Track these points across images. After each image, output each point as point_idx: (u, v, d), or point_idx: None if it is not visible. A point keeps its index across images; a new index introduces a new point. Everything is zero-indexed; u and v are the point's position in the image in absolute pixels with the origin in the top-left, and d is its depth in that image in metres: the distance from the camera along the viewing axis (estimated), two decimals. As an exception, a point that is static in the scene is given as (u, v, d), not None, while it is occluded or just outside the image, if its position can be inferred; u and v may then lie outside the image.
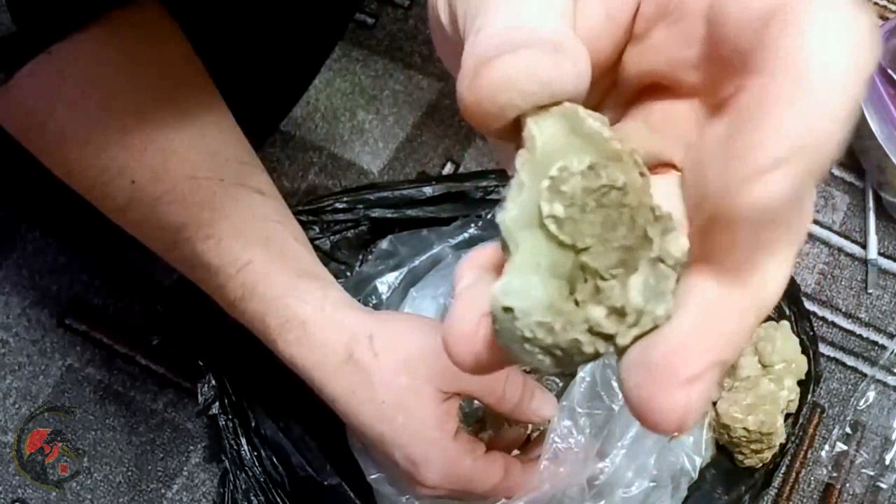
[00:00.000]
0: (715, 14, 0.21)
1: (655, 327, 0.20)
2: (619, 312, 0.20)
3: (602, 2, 0.24)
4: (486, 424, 0.65)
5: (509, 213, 0.21)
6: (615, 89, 0.27)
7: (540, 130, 0.22)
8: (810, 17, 0.19)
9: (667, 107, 0.24)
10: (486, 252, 0.24)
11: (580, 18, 0.24)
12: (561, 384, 0.71)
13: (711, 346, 0.20)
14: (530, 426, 0.64)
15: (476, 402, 0.64)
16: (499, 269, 0.23)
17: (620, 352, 0.21)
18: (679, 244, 0.21)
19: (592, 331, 0.20)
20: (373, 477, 0.62)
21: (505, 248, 0.21)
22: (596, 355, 0.21)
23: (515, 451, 0.63)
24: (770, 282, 0.20)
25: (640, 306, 0.20)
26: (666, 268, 0.21)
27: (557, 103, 0.22)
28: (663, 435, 0.20)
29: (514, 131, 0.22)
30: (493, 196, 0.76)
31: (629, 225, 0.21)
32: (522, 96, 0.22)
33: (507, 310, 0.21)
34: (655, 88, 0.25)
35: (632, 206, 0.21)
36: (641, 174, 0.22)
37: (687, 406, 0.19)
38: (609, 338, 0.20)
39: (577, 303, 0.21)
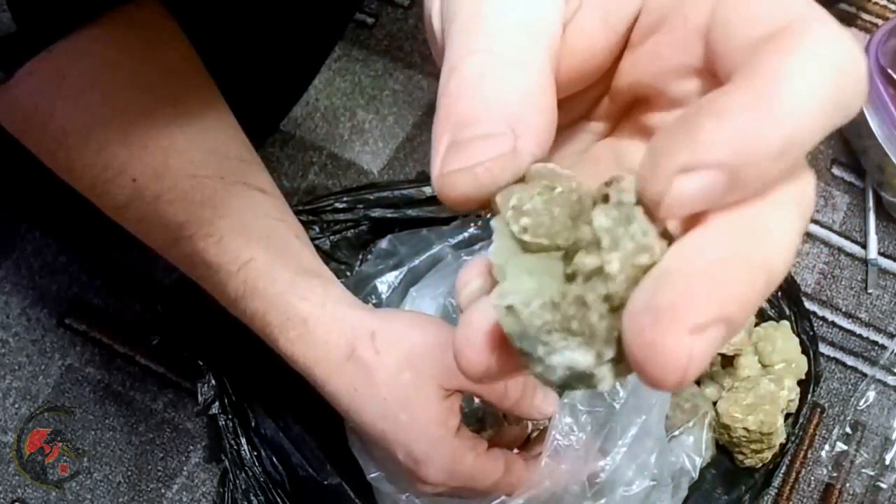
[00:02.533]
0: (718, 29, 0.22)
1: (644, 251, 0.21)
2: (595, 244, 0.21)
3: (601, 9, 0.24)
4: (485, 424, 0.65)
5: (490, 249, 0.23)
6: (608, 99, 0.27)
7: (502, 197, 0.23)
8: (802, 49, 0.19)
9: (657, 119, 0.25)
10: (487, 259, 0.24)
11: (579, 26, 0.24)
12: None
13: (720, 298, 0.19)
14: (530, 425, 0.64)
15: (476, 401, 0.65)
16: None
17: (620, 300, 0.21)
18: (629, 182, 0.22)
19: (585, 278, 0.21)
20: (373, 476, 0.62)
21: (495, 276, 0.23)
22: (608, 309, 0.21)
23: (515, 451, 0.63)
24: (777, 248, 0.20)
25: (606, 225, 0.21)
26: (631, 206, 0.21)
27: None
28: (663, 389, 0.20)
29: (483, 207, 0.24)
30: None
31: (588, 200, 0.22)
32: (482, 199, 0.23)
33: (509, 309, 0.21)
34: (646, 101, 0.25)
35: (590, 191, 0.22)
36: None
37: (690, 356, 0.19)
38: (598, 272, 0.21)
39: (567, 279, 0.22)
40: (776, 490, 0.76)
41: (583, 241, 0.21)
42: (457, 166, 0.23)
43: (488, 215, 0.24)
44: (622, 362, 0.21)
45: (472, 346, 0.23)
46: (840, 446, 0.77)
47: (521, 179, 0.23)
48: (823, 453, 0.77)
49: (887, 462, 0.76)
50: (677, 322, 0.19)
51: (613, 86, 0.26)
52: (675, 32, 0.23)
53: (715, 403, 0.73)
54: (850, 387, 0.79)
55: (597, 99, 0.27)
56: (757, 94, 0.19)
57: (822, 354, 0.77)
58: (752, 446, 0.71)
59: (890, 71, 0.83)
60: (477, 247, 0.74)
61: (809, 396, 0.73)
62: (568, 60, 0.24)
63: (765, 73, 0.19)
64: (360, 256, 0.78)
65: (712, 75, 0.22)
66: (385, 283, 0.74)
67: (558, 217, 0.22)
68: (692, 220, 0.21)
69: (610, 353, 0.21)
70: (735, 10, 0.21)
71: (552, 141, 0.23)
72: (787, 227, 0.21)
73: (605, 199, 0.22)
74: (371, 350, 0.56)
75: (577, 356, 0.21)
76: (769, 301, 0.76)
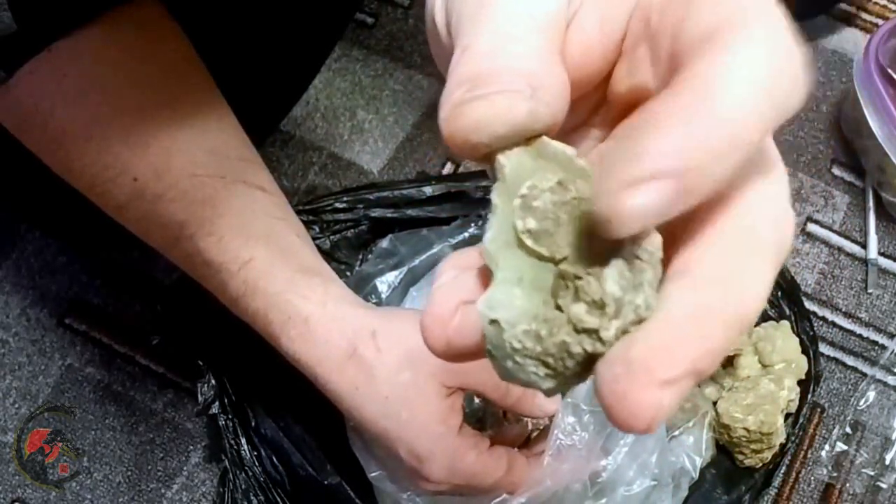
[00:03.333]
0: (673, 32, 0.22)
1: (639, 321, 0.21)
2: (598, 305, 0.21)
3: (597, 16, 0.24)
4: (486, 424, 0.65)
5: (489, 235, 0.22)
6: (604, 107, 0.27)
7: (508, 159, 0.23)
8: (737, 47, 0.19)
9: None
10: (466, 254, 0.25)
11: (576, 31, 0.24)
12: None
13: (692, 354, 0.20)
14: (530, 425, 0.64)
15: (476, 401, 0.65)
16: (481, 273, 0.24)
17: (601, 354, 0.21)
18: (653, 240, 0.21)
19: (577, 329, 0.21)
20: (373, 475, 0.62)
21: (488, 271, 0.22)
22: (586, 357, 0.21)
23: (514, 451, 0.63)
24: (750, 298, 0.20)
25: (616, 295, 0.21)
26: (641, 262, 0.21)
27: (527, 140, 0.23)
28: (630, 433, 0.21)
29: (488, 161, 0.24)
30: (494, 196, 0.76)
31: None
32: (493, 139, 0.22)
33: (494, 322, 0.21)
34: (637, 107, 0.25)
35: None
36: None
37: (658, 408, 0.19)
38: (593, 332, 0.21)
39: (559, 308, 0.21)
40: (776, 490, 0.76)
41: (586, 294, 0.21)
42: (463, 116, 0.22)
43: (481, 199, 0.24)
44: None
45: (437, 317, 0.24)
46: (840, 446, 0.77)
47: (531, 143, 0.23)
48: (823, 453, 0.77)
49: (887, 462, 0.76)
50: (649, 376, 0.20)
51: (611, 91, 0.26)
52: (658, 40, 0.23)
53: (715, 403, 0.73)
54: (850, 387, 0.79)
55: (596, 105, 0.27)
56: (693, 99, 0.19)
57: (822, 354, 0.77)
58: (752, 446, 0.71)
59: (890, 71, 0.83)
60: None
61: (809, 396, 0.73)
62: (567, 63, 0.24)
63: (700, 76, 0.19)
64: (360, 256, 0.78)
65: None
66: (385, 282, 0.74)
67: (563, 227, 0.22)
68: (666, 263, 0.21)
69: (570, 385, 0.22)
70: (682, 6, 0.22)
71: (563, 117, 0.23)
72: (761, 275, 0.21)
73: (617, 241, 0.21)
74: (372, 348, 0.56)
75: (540, 382, 0.22)
76: (770, 301, 0.76)
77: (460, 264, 0.25)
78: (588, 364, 0.21)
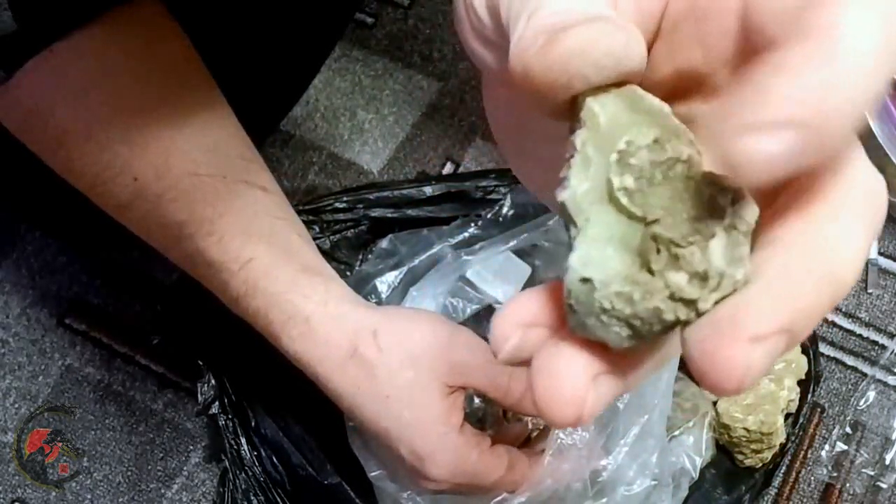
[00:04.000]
0: (749, 4, 0.21)
1: (734, 291, 0.20)
2: (701, 277, 0.20)
3: None
4: (486, 424, 0.65)
5: (580, 188, 0.21)
6: None
7: (602, 108, 0.22)
8: (851, 3, 0.19)
9: (692, 108, 0.24)
10: (525, 306, 0.23)
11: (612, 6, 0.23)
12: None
13: (782, 310, 0.19)
14: (531, 424, 0.64)
15: (477, 400, 0.65)
16: (545, 325, 0.23)
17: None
18: (751, 210, 0.21)
19: (674, 297, 0.20)
20: (374, 474, 0.62)
21: (571, 223, 0.21)
22: (675, 323, 0.21)
23: (515, 450, 0.63)
24: (843, 259, 0.20)
25: (722, 269, 0.20)
26: (739, 234, 0.21)
27: (617, 85, 0.22)
28: (721, 395, 0.21)
29: (567, 109, 0.22)
30: (493, 196, 0.76)
31: (696, 196, 0.21)
32: (595, 68, 0.21)
33: (586, 280, 0.21)
34: (687, 90, 0.24)
35: (697, 178, 0.21)
36: (699, 153, 0.22)
37: (748, 365, 0.19)
38: (691, 303, 0.20)
39: (651, 272, 0.21)
40: (776, 490, 0.76)
41: (689, 264, 0.20)
42: (563, 41, 0.21)
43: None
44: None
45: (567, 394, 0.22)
46: (840, 446, 0.77)
47: (620, 90, 0.22)
48: (823, 453, 0.77)
49: (887, 462, 0.76)
50: (737, 331, 0.19)
51: (649, 77, 0.25)
52: (712, 18, 0.22)
53: (715, 403, 0.73)
54: (850, 387, 0.79)
55: None
56: (820, 48, 0.18)
57: (822, 354, 0.77)
58: (752, 446, 0.71)
59: (890, 71, 0.82)
60: (477, 247, 0.73)
61: (809, 396, 0.73)
62: None
63: (821, 26, 0.19)
64: (360, 256, 0.78)
65: (748, 52, 0.22)
66: (385, 282, 0.74)
67: (657, 187, 0.21)
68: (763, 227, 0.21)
69: (644, 344, 0.22)
70: None
71: (645, 66, 0.23)
72: (855, 238, 0.20)
73: (713, 208, 0.21)
74: (373, 348, 0.56)
75: (618, 341, 0.21)
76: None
77: (522, 321, 0.23)
78: (672, 328, 0.21)
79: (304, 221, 0.62)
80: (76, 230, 0.76)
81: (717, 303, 0.20)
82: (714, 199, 0.21)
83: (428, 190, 0.77)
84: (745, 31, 0.21)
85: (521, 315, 0.23)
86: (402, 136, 0.88)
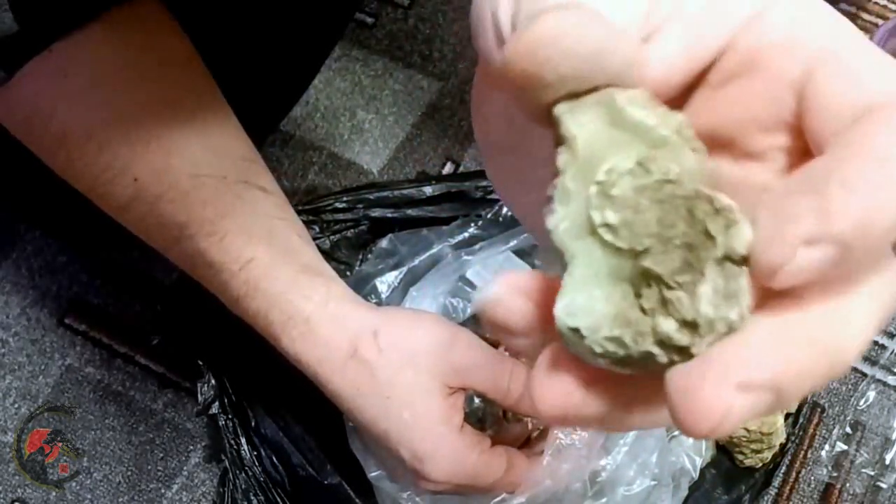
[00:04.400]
0: (815, 89, 0.21)
1: (730, 332, 0.20)
2: (690, 325, 0.19)
3: (684, 37, 0.23)
4: (486, 424, 0.65)
5: (561, 225, 0.20)
6: None
7: (579, 127, 0.21)
8: None
9: (720, 165, 0.23)
10: (528, 279, 0.23)
11: (658, 48, 0.23)
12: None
13: (775, 366, 0.19)
14: (531, 425, 0.64)
15: (476, 401, 0.64)
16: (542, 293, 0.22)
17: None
18: (743, 238, 0.20)
19: (664, 344, 0.20)
20: (373, 475, 0.62)
21: (558, 255, 0.21)
22: (671, 364, 0.20)
23: (515, 450, 0.63)
24: (849, 337, 0.20)
25: (711, 317, 0.19)
26: (733, 266, 0.20)
27: (594, 89, 0.21)
28: (692, 437, 0.19)
29: (545, 117, 0.21)
30: (493, 196, 0.76)
31: (687, 219, 0.20)
32: (565, 57, 0.20)
33: (574, 330, 0.20)
34: (717, 147, 0.23)
35: (688, 196, 0.20)
36: (694, 150, 0.21)
37: (727, 411, 0.18)
38: (684, 349, 0.20)
39: (643, 310, 0.20)
40: (776, 490, 0.76)
41: (677, 312, 0.20)
42: (538, 27, 0.20)
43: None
44: None
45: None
46: (840, 446, 0.77)
47: (602, 95, 0.21)
48: (823, 453, 0.77)
49: (887, 462, 0.76)
50: (724, 374, 0.19)
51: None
52: (765, 83, 0.22)
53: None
54: (850, 387, 0.79)
55: None
56: (876, 166, 0.18)
57: (823, 354, 0.77)
58: (752, 446, 0.71)
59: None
60: (477, 247, 0.73)
61: (809, 396, 0.73)
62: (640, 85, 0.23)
63: (878, 145, 0.19)
64: (360, 256, 0.78)
65: (800, 133, 0.22)
66: (385, 282, 0.74)
67: (644, 214, 0.20)
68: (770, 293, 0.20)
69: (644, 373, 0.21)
70: (839, 69, 0.21)
71: (633, 75, 0.22)
72: (867, 318, 0.20)
73: (706, 233, 0.20)
74: (374, 349, 0.56)
75: (617, 371, 0.21)
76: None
77: (515, 285, 0.23)
78: (670, 366, 0.20)
79: (304, 221, 0.62)
80: (76, 230, 0.76)
81: (710, 344, 0.20)
82: (705, 225, 0.20)
83: (428, 190, 0.77)
84: (799, 109, 0.21)
85: (522, 284, 0.22)
86: (402, 136, 0.88)
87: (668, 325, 0.19)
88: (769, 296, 0.20)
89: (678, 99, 0.24)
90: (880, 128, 0.19)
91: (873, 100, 0.20)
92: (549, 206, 0.21)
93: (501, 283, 0.22)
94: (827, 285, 0.20)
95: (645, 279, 0.20)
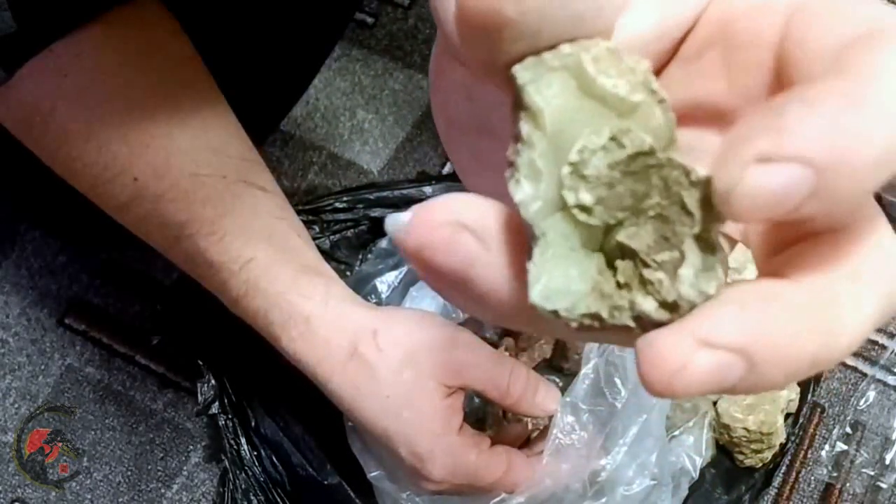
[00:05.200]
0: (795, 33, 0.19)
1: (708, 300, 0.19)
2: (670, 306, 0.18)
3: (656, 13, 0.21)
4: (486, 423, 0.65)
5: (533, 206, 0.19)
6: None
7: (546, 101, 0.19)
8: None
9: (703, 139, 0.22)
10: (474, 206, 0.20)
11: (631, 18, 0.21)
12: (561, 384, 0.71)
13: (744, 328, 0.17)
14: (530, 425, 0.64)
15: (476, 400, 0.65)
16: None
17: None
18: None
19: (641, 319, 0.19)
20: (373, 475, 0.62)
21: (528, 229, 0.19)
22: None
23: (514, 450, 0.63)
24: (846, 324, 0.18)
25: (692, 298, 0.18)
26: (711, 237, 0.19)
27: (553, 47, 0.19)
28: (647, 390, 0.17)
29: (504, 78, 0.19)
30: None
31: (661, 190, 0.19)
32: (516, 8, 0.18)
33: (553, 312, 0.19)
34: (701, 119, 0.22)
35: (661, 164, 0.19)
36: (660, 102, 0.19)
37: (684, 364, 0.17)
38: (660, 324, 0.19)
39: (618, 283, 0.19)
40: (776, 490, 0.76)
41: (657, 293, 0.19)
42: None
43: None
44: None
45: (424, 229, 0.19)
46: (840, 446, 0.77)
47: (572, 50, 0.19)
48: (823, 453, 0.77)
49: (887, 462, 0.76)
50: (688, 328, 0.17)
51: None
52: (742, 49, 0.21)
53: (715, 403, 0.73)
54: (850, 386, 0.79)
55: None
56: (856, 87, 0.16)
57: (823, 354, 0.77)
58: (752, 446, 0.71)
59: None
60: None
61: (809, 396, 0.73)
62: None
63: (864, 66, 0.17)
64: (360, 256, 0.78)
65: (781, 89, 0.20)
66: (385, 282, 0.74)
67: (617, 188, 0.19)
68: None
69: None
70: (814, 14, 0.19)
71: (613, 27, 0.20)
72: (867, 307, 0.18)
73: (682, 205, 0.19)
74: (373, 348, 0.56)
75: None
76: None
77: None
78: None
79: (304, 221, 0.62)
80: (76, 230, 0.76)
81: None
82: (681, 198, 0.19)
83: (428, 190, 0.77)
84: (779, 66, 0.20)
85: (463, 214, 0.20)
86: (402, 136, 0.88)
87: (648, 305, 0.19)
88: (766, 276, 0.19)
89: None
90: (856, 50, 0.17)
91: (857, 32, 0.18)
92: (512, 173, 0.19)
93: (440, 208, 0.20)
94: (820, 259, 0.18)
95: (619, 251, 0.19)
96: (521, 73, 0.19)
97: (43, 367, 0.79)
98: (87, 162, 0.54)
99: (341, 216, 0.77)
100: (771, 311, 0.17)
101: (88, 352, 0.79)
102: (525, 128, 0.19)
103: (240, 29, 0.64)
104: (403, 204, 0.77)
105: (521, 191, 0.19)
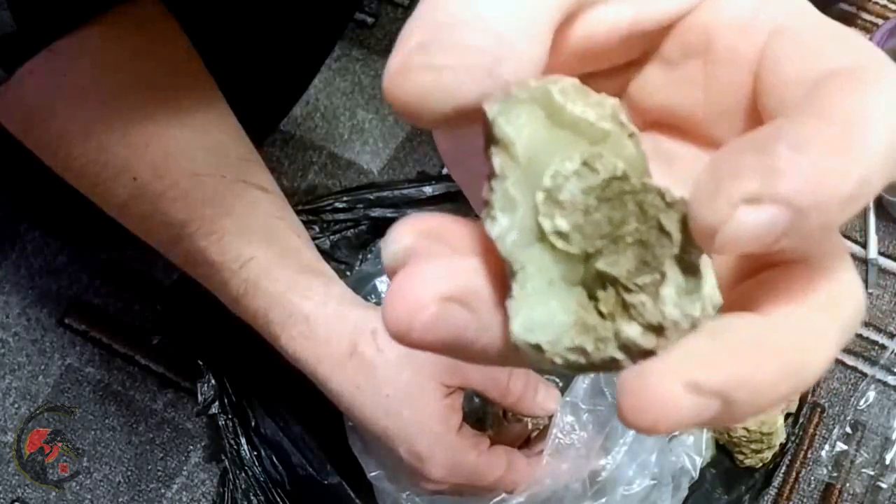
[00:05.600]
0: (771, 58, 0.20)
1: (693, 328, 0.19)
2: (655, 329, 0.18)
3: (631, 9, 0.21)
4: (486, 423, 0.65)
5: (509, 237, 0.19)
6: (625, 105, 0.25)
7: (517, 131, 0.19)
8: (883, 87, 0.17)
9: (675, 147, 0.22)
10: (426, 220, 0.20)
11: (606, 10, 0.21)
12: (560, 384, 0.71)
13: (733, 371, 0.17)
14: (530, 424, 0.64)
15: (477, 399, 0.65)
16: (450, 240, 0.20)
17: None
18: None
19: (628, 348, 0.19)
20: (373, 475, 0.62)
21: (507, 265, 0.19)
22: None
23: (514, 450, 0.63)
24: (815, 358, 0.18)
25: (676, 318, 0.18)
26: (692, 259, 0.19)
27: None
28: (628, 426, 0.17)
29: (461, 119, 0.19)
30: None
31: (638, 215, 0.19)
32: (440, 117, 0.19)
33: (535, 346, 0.19)
34: (674, 127, 0.22)
35: (635, 190, 0.19)
36: (630, 136, 0.20)
37: (672, 408, 0.17)
38: (648, 353, 0.18)
39: (601, 314, 0.19)
40: (776, 490, 0.76)
41: (640, 316, 0.18)
42: (407, 81, 0.19)
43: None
44: None
45: (407, 314, 0.19)
46: (840, 446, 0.77)
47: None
48: (823, 453, 0.77)
49: (887, 462, 0.76)
50: (677, 370, 0.17)
51: (634, 95, 0.23)
52: (723, 65, 0.21)
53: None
54: (850, 386, 0.79)
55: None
56: (835, 129, 0.17)
57: (823, 354, 0.77)
58: (752, 446, 0.71)
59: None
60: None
61: (809, 396, 0.73)
62: (575, 41, 0.21)
63: (840, 108, 0.17)
64: (360, 256, 0.78)
65: (755, 113, 0.20)
66: (385, 282, 0.74)
67: (593, 215, 0.19)
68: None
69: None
70: (794, 41, 0.20)
71: (543, 62, 0.20)
72: (831, 341, 0.19)
73: (660, 229, 0.19)
74: (373, 347, 0.56)
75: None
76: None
77: (421, 229, 0.20)
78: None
79: (304, 221, 0.62)
80: (76, 230, 0.76)
81: (675, 343, 0.18)
82: (658, 220, 0.19)
83: (428, 190, 0.77)
84: (756, 90, 0.20)
85: (432, 225, 0.20)
86: (402, 136, 0.88)
87: (633, 331, 0.18)
88: (735, 306, 0.19)
89: (621, 69, 0.23)
90: (840, 91, 0.18)
91: (832, 68, 0.18)
92: (487, 211, 0.19)
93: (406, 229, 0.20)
94: (790, 292, 0.19)
95: (599, 281, 0.19)
96: (491, 107, 0.19)
97: (43, 367, 0.79)
98: (86, 162, 0.54)
99: (341, 216, 0.77)
100: (755, 356, 0.18)
101: (88, 352, 0.79)
102: (497, 161, 0.19)
103: (240, 29, 0.64)
104: (403, 204, 0.77)
105: (497, 225, 0.19)
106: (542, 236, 0.19)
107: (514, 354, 0.19)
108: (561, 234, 0.19)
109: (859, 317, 0.20)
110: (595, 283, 0.19)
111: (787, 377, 0.18)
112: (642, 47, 0.22)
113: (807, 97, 0.18)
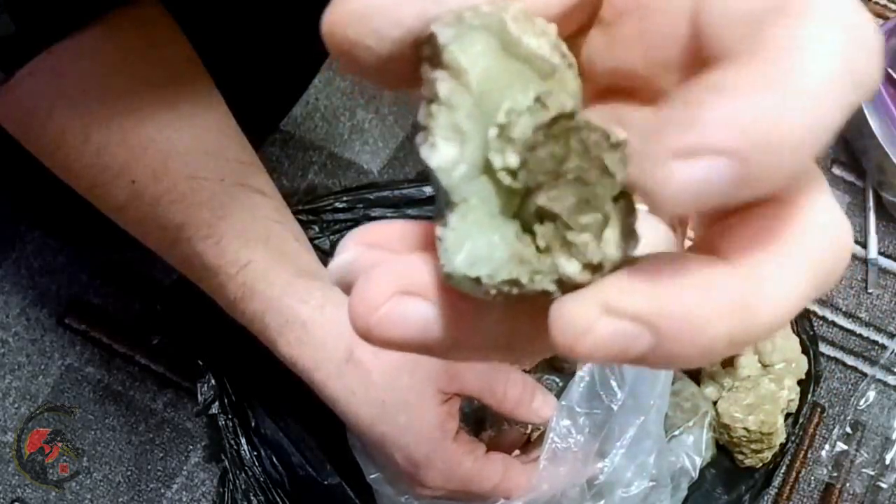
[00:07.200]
0: (702, 8, 0.19)
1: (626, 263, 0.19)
2: (594, 267, 0.18)
3: None
4: (486, 425, 0.65)
5: (457, 170, 0.18)
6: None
7: (471, 60, 0.18)
8: (813, 16, 0.16)
9: (627, 112, 0.22)
10: (371, 231, 0.21)
11: None
12: (560, 384, 0.71)
13: (646, 298, 0.17)
14: (530, 426, 0.64)
15: (476, 402, 0.65)
16: (404, 247, 0.21)
17: None
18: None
19: (563, 282, 0.18)
20: (372, 476, 0.62)
21: (443, 194, 0.19)
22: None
23: (516, 452, 0.63)
24: (768, 302, 0.18)
25: (616, 258, 0.18)
26: (633, 202, 0.19)
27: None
28: (559, 353, 0.17)
29: (404, 61, 0.19)
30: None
31: (581, 153, 0.18)
32: (393, 29, 0.19)
33: (475, 279, 0.18)
34: (626, 91, 0.22)
35: (579, 127, 0.18)
36: (570, 66, 0.19)
37: (585, 325, 0.17)
38: (580, 286, 0.18)
39: (538, 248, 0.19)
40: (776, 490, 0.76)
41: (581, 254, 0.18)
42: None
43: None
44: None
45: (366, 310, 0.19)
46: (840, 446, 0.77)
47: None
48: (823, 453, 0.77)
49: (887, 462, 0.76)
50: (593, 295, 0.18)
51: (583, 64, 0.22)
52: (659, 18, 0.20)
53: (715, 403, 0.73)
54: (850, 386, 0.79)
55: None
56: (770, 68, 0.16)
57: (822, 354, 0.77)
58: (752, 446, 0.71)
59: (890, 71, 0.82)
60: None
61: (809, 396, 0.73)
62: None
63: (775, 44, 0.16)
64: (360, 256, 0.78)
65: (700, 63, 0.19)
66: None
67: (540, 151, 0.18)
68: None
69: None
70: None
71: None
72: (791, 286, 0.18)
73: (602, 167, 0.18)
74: (370, 353, 0.56)
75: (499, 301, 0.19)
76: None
77: (360, 242, 0.20)
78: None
79: (303, 221, 0.62)
80: (76, 230, 0.76)
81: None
82: (602, 160, 0.18)
83: (428, 190, 0.77)
84: (694, 37, 0.19)
85: (370, 237, 0.20)
86: (402, 136, 0.88)
87: (572, 268, 0.18)
88: (701, 250, 0.19)
89: (571, 39, 0.22)
90: (771, 26, 0.17)
91: (767, 4, 0.17)
92: (426, 136, 0.19)
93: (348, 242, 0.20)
94: (746, 230, 0.18)
95: (537, 215, 0.19)
96: (443, 30, 0.18)
97: (43, 367, 0.79)
98: (85, 163, 0.54)
99: (341, 216, 0.77)
100: (680, 288, 0.17)
101: (88, 352, 0.79)
102: (445, 87, 0.18)
103: (240, 29, 0.64)
104: (403, 204, 0.77)
105: (439, 155, 0.18)
106: (487, 170, 0.19)
107: (475, 344, 0.20)
108: (510, 171, 0.18)
109: (837, 252, 0.19)
110: (532, 217, 0.19)
111: (729, 317, 0.17)
112: (587, 13, 0.22)
113: (740, 38, 0.17)
